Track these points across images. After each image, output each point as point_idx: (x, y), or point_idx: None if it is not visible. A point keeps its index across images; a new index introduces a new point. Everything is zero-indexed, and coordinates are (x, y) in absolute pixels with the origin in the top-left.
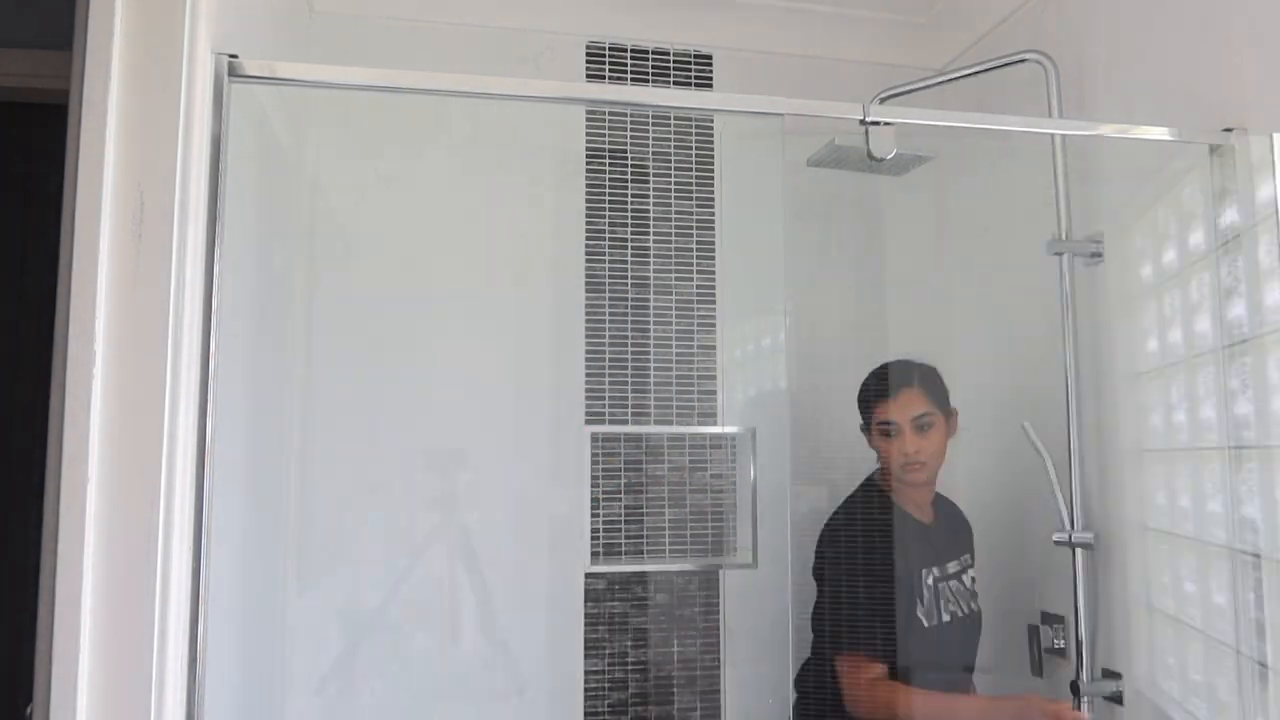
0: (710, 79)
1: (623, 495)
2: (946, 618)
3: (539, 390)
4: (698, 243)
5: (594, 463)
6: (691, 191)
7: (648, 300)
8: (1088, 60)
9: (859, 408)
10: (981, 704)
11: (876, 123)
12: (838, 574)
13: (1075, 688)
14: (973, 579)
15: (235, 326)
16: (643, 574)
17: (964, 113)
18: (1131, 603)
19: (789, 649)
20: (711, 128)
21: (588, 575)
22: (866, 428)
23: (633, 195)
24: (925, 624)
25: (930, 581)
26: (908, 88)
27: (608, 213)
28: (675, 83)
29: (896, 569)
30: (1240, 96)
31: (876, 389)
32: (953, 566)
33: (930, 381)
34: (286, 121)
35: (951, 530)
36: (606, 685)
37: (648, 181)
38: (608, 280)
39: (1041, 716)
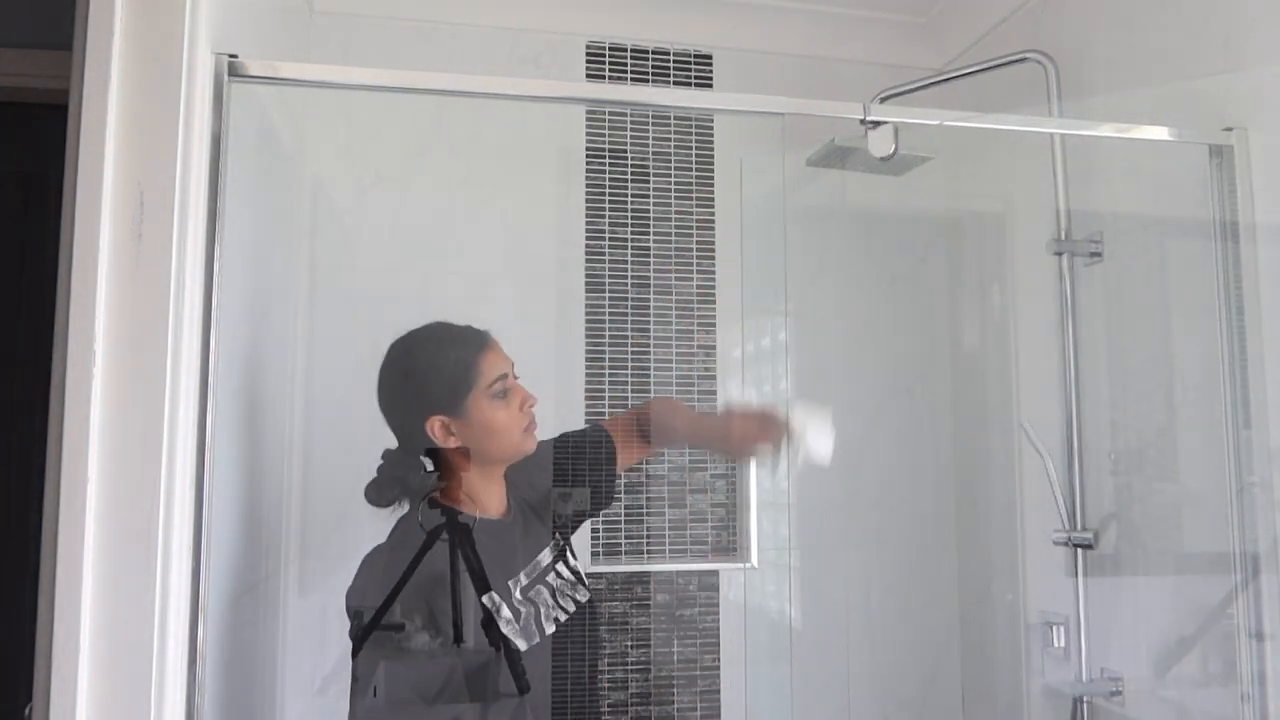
0: (710, 79)
1: (623, 495)
2: (550, 627)
3: (539, 389)
4: (698, 243)
5: None
6: (691, 191)
7: (648, 300)
8: (1088, 60)
9: (427, 382)
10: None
11: (876, 122)
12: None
13: None
14: (573, 560)
15: (235, 327)
16: (643, 574)
17: (964, 112)
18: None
19: (789, 649)
20: (711, 128)
21: (588, 575)
22: (457, 405)
23: (633, 195)
24: (525, 648)
25: (519, 593)
26: (908, 88)
27: (608, 213)
28: (675, 83)
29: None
30: (1240, 96)
31: (466, 347)
32: (546, 557)
33: None
34: (287, 121)
35: (531, 508)
36: (606, 685)
37: (648, 181)
38: (608, 280)
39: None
